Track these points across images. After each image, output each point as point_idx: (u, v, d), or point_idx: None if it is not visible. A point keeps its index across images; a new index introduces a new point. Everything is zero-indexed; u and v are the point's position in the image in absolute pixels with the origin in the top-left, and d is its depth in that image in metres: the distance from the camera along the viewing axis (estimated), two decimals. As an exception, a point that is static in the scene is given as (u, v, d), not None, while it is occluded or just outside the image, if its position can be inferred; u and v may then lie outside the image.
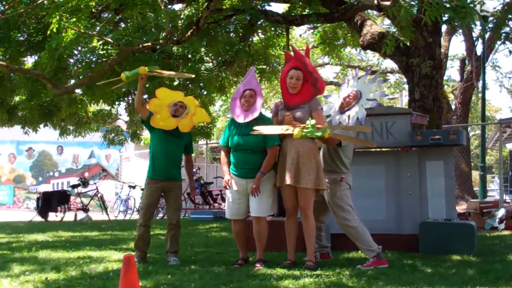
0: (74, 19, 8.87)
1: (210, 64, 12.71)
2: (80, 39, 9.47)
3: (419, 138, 7.49)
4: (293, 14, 12.79)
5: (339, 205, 6.46)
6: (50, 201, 16.80)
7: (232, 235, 7.08)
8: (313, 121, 6.01)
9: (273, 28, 13.91)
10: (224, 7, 12.53)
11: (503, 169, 12.49)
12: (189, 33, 10.87)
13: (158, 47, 11.09)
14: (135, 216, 17.95)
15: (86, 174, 25.66)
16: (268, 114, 7.06)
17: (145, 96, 11.41)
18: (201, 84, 12.87)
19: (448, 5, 7.52)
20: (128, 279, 3.84)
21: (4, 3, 11.12)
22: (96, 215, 18.13)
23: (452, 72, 61.28)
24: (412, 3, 8.24)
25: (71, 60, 11.97)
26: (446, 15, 7.96)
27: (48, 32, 9.06)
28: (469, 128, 25.55)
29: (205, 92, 13.50)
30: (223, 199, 16.76)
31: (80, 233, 10.94)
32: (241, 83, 6.85)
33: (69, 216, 16.82)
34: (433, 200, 7.61)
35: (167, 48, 11.68)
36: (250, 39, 13.88)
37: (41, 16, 11.06)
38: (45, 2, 9.93)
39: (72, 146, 27.29)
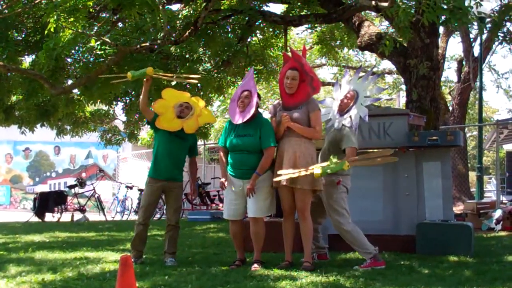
0: (72, 19, 8.86)
1: (208, 65, 12.72)
2: (78, 39, 9.46)
3: (416, 139, 7.50)
4: (291, 14, 12.81)
5: (334, 208, 6.46)
6: (47, 202, 16.75)
7: (229, 236, 7.08)
8: (334, 159, 6.00)
9: (271, 29, 13.92)
10: (222, 8, 12.54)
11: (500, 170, 12.51)
12: (187, 33, 10.87)
13: (156, 47, 11.09)
14: (132, 216, 17.94)
15: (83, 175, 25.65)
16: (266, 115, 7.06)
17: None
18: (198, 85, 12.87)
19: (445, 6, 7.53)
20: (125, 280, 3.84)
21: (1, 2, 11.10)
22: (93, 216, 18.11)
23: (450, 73, 61.09)
24: (410, 4, 8.26)
25: (69, 60, 11.97)
26: (443, 17, 7.96)
27: (46, 32, 9.05)
28: (466, 129, 25.66)
29: (202, 93, 13.49)
30: (221, 200, 16.76)
31: (77, 234, 10.93)
32: (240, 85, 6.87)
33: (66, 217, 16.79)
34: (430, 201, 7.62)
35: (165, 48, 11.68)
36: (248, 40, 13.88)
37: (39, 16, 11.04)
38: (43, 2, 9.93)
39: (69, 147, 27.25)
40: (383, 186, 7.75)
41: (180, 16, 12.52)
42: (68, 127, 17.52)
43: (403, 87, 18.43)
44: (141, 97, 7.16)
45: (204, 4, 10.81)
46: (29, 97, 13.40)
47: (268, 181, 6.42)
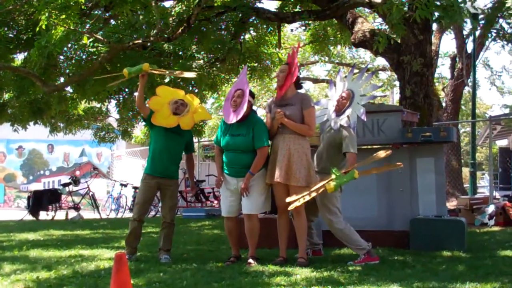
0: (64, 16, 8.85)
1: (202, 62, 12.71)
2: (70, 36, 9.44)
3: (410, 135, 7.52)
4: (284, 11, 12.82)
5: (327, 206, 6.47)
6: (41, 200, 16.72)
7: (224, 232, 7.09)
8: (337, 172, 6.01)
9: (264, 26, 13.92)
10: (215, 4, 12.52)
11: (493, 166, 12.56)
12: (180, 30, 10.86)
13: (148, 44, 11.07)
14: (127, 214, 17.92)
15: (77, 173, 25.55)
16: (261, 112, 7.07)
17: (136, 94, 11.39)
18: (192, 82, 12.86)
19: (438, 3, 7.55)
20: (119, 277, 3.84)
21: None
22: (88, 214, 18.10)
23: (443, 69, 61.34)
24: (403, 0, 8.27)
25: (61, 58, 11.94)
26: (436, 13, 7.98)
27: (38, 29, 9.04)
28: (459, 125, 25.67)
29: (196, 90, 13.48)
30: (215, 197, 16.77)
31: (72, 232, 10.92)
32: (234, 83, 6.90)
33: (60, 215, 16.77)
34: (423, 197, 7.65)
35: (158, 45, 11.67)
36: (242, 37, 13.87)
37: (30, 13, 11.02)
38: (35, -1, 9.91)
39: (63, 145, 27.19)
40: (377, 182, 7.76)
41: (173, 13, 12.50)
42: (62, 125, 17.48)
43: (397, 83, 18.47)
44: (137, 93, 7.18)
45: (197, 1, 10.80)
46: (20, 95, 13.36)
47: (262, 178, 6.45)
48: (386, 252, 7.03)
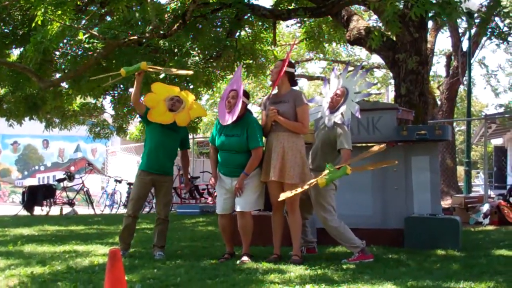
0: (59, 12, 8.81)
1: (197, 58, 12.69)
2: (66, 32, 9.42)
3: (405, 133, 7.52)
4: (280, 8, 12.79)
5: (321, 204, 6.46)
6: (36, 195, 16.70)
7: (218, 229, 7.08)
8: (331, 167, 6.00)
9: (260, 23, 13.90)
10: (210, 1, 12.50)
11: (488, 164, 12.56)
12: (175, 26, 10.84)
13: (144, 40, 11.05)
14: (121, 210, 17.91)
15: (72, 168, 25.52)
16: (255, 109, 7.07)
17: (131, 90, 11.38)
18: (187, 78, 12.84)
19: (433, 1, 7.54)
20: (113, 273, 3.83)
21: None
22: (82, 210, 18.07)
23: (438, 68, 61.18)
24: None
25: (57, 53, 11.91)
26: (432, 11, 7.98)
27: (33, 24, 9.00)
28: (454, 124, 25.74)
29: (191, 86, 13.46)
30: (210, 194, 16.77)
31: (66, 227, 10.90)
32: (229, 83, 6.89)
33: (55, 210, 16.74)
34: (418, 195, 7.65)
35: (153, 41, 11.65)
36: (237, 34, 13.86)
37: (26, 9, 10.98)
38: (31, -6, 9.87)
39: (58, 140, 27.12)
40: (371, 180, 7.76)
41: (168, 9, 12.48)
42: (57, 120, 17.45)
43: (392, 81, 18.48)
44: (133, 90, 7.15)
45: (193, -3, 10.77)
46: (16, 90, 13.33)
47: (256, 176, 6.44)
48: (380, 250, 7.03)
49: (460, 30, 17.97)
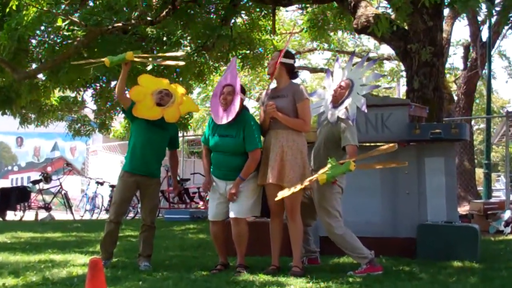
0: (36, -4, 8.82)
1: (188, 48, 12.68)
2: (43, 18, 9.41)
3: (417, 132, 7.52)
4: (280, -7, 12.78)
5: (326, 209, 6.42)
6: (9, 198, 16.71)
7: (210, 237, 7.08)
8: (334, 162, 5.99)
9: (258, 9, 13.89)
10: (203, -16, 12.52)
11: (510, 167, 12.51)
12: (164, 12, 10.84)
13: (129, 28, 11.04)
14: (103, 215, 17.90)
15: (49, 169, 25.55)
16: (252, 104, 7.05)
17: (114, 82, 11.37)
18: (177, 70, 12.83)
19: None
20: (94, 285, 3.83)
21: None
22: (60, 215, 18.09)
23: (455, 59, 61.52)
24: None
25: (33, 42, 11.89)
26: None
27: (7, 10, 8.99)
28: (473, 122, 25.76)
29: (181, 79, 13.46)
30: (201, 198, 16.76)
31: (42, 234, 10.91)
32: (222, 77, 6.85)
33: (29, 215, 16.75)
34: (432, 201, 7.65)
35: (139, 29, 11.64)
36: (232, 21, 13.85)
37: (0, -8, 10.98)
38: (4, -24, 9.86)
39: (33, 138, 27.12)
40: (380, 184, 7.77)
41: (156, -7, 12.48)
42: (33, 116, 17.43)
43: (404, 74, 18.48)
44: (118, 82, 7.12)
45: (184, -20, 10.78)
46: (-13, 83, 13.33)
47: (252, 180, 6.43)
48: (390, 262, 7.04)
49: (480, 18, 17.96)
